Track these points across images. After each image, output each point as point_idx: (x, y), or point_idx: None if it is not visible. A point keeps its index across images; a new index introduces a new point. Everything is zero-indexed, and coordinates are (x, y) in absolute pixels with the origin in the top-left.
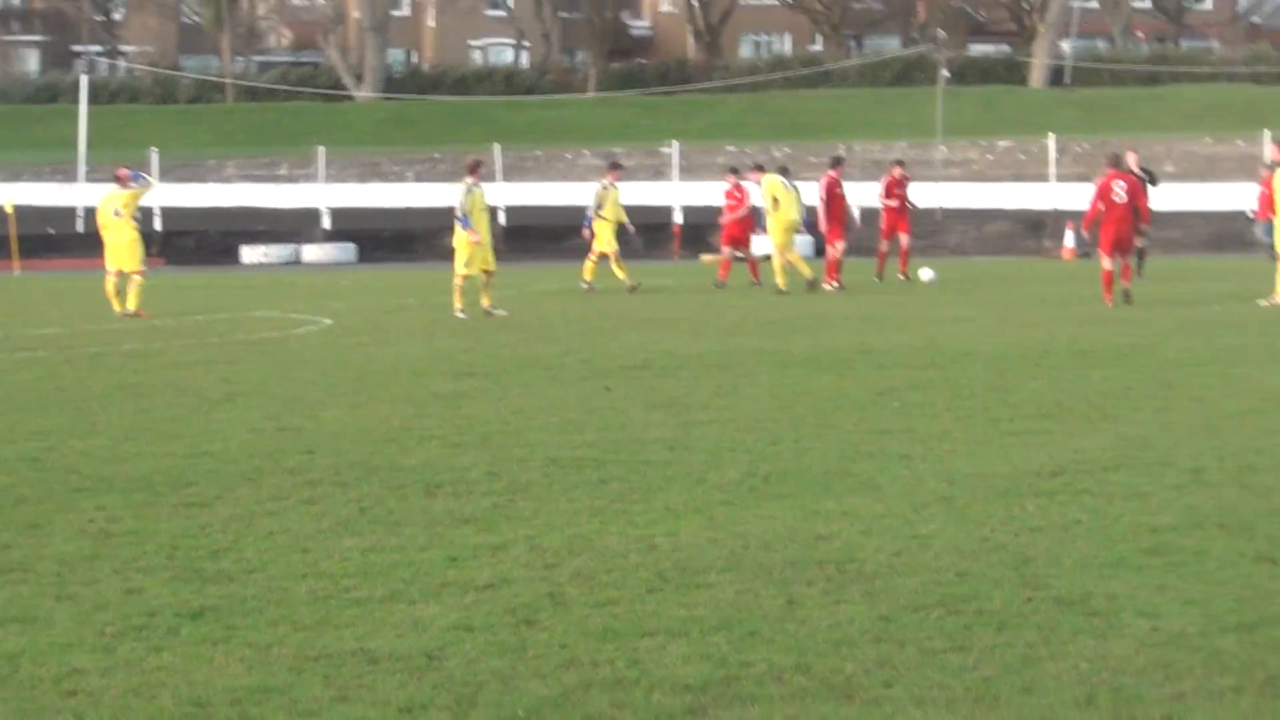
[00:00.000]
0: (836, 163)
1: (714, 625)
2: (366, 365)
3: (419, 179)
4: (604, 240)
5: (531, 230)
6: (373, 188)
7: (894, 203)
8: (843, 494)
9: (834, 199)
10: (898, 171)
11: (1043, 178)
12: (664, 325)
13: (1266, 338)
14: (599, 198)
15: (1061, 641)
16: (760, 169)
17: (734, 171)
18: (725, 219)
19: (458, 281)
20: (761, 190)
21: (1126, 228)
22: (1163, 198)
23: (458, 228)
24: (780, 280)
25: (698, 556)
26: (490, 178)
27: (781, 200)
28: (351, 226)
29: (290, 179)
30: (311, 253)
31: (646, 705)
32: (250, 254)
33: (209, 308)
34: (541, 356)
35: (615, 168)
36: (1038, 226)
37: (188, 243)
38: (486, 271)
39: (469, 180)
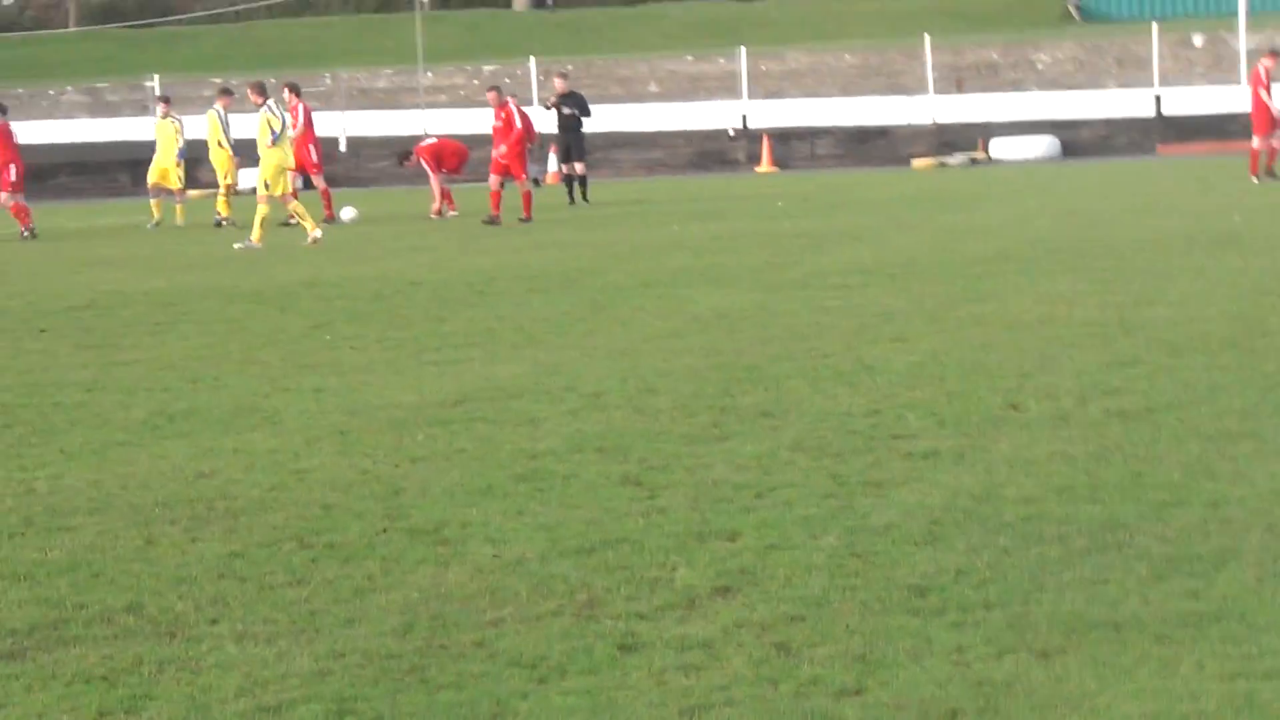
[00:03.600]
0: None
1: (63, 568)
2: None
3: None
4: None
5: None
6: None
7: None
8: (243, 430)
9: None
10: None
11: (528, 101)
12: (118, 264)
13: (713, 257)
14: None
15: (403, 571)
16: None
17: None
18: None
19: None
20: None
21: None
22: (644, 118)
23: None
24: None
25: (72, 499)
26: None
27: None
28: None
29: None
30: None
31: None
32: None
33: None
34: None
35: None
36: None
37: None
38: None
39: None
